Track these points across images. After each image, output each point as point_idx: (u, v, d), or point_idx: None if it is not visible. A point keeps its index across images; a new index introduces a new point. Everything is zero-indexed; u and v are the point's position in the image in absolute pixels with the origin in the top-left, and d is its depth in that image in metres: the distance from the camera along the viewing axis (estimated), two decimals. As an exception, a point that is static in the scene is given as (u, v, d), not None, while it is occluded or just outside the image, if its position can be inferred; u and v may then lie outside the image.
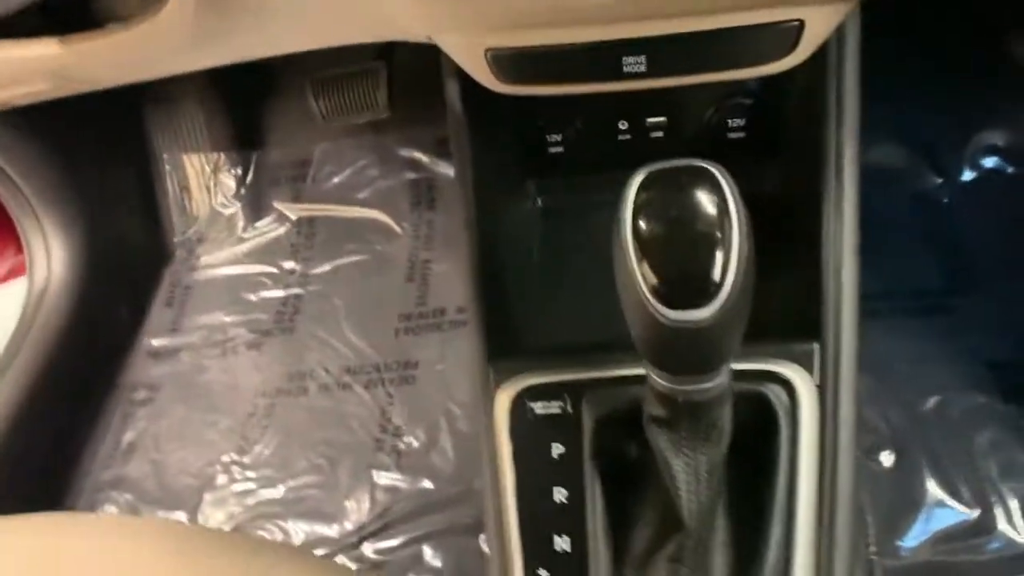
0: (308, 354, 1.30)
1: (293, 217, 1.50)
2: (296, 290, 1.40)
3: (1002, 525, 0.90)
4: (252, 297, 1.41)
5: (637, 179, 0.41)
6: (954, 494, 0.94)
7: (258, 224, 1.50)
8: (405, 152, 1.48)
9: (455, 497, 1.06)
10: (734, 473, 0.52)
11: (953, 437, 0.98)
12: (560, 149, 0.74)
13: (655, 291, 0.39)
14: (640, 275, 0.40)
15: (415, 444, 1.13)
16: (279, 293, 1.40)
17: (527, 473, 0.56)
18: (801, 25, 0.51)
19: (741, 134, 0.70)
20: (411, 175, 1.46)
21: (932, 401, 1.01)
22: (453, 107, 0.69)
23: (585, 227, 0.78)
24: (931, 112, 1.24)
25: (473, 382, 0.60)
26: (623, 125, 0.71)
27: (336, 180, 1.50)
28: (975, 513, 0.92)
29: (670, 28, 0.51)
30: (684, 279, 0.39)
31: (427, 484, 1.09)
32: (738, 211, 0.39)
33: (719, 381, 0.44)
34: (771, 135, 0.69)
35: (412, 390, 1.20)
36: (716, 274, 0.38)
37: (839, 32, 0.57)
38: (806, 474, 0.51)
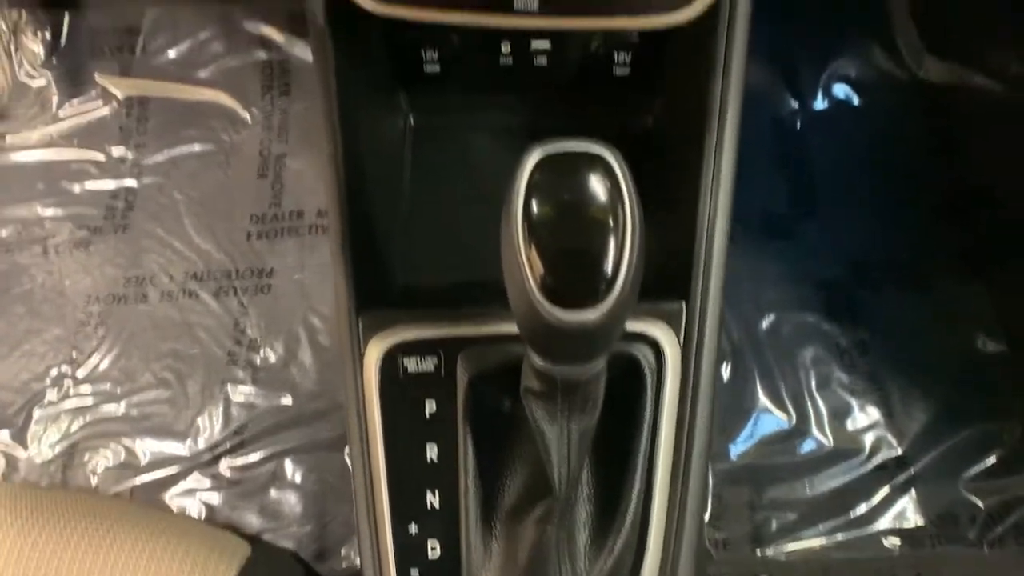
0: (146, 256, 1.18)
1: (120, 95, 1.30)
2: (129, 181, 1.25)
3: (814, 430, 1.03)
4: (75, 188, 1.24)
5: (530, 162, 0.38)
6: (778, 403, 1.05)
7: (76, 100, 1.29)
8: (253, 27, 1.31)
9: (316, 412, 1.04)
10: (600, 430, 0.54)
11: (782, 352, 1.09)
12: (436, 68, 0.68)
13: (543, 285, 0.37)
14: (528, 265, 0.38)
15: (272, 358, 1.08)
16: (108, 184, 1.24)
17: (398, 430, 0.55)
18: None
19: (626, 70, 0.67)
20: (261, 55, 1.31)
21: (768, 318, 1.11)
22: (314, 20, 0.60)
23: (462, 151, 0.73)
24: (792, 37, 1.27)
25: (338, 333, 0.57)
26: (506, 48, 0.66)
27: (171, 54, 1.31)
28: (793, 420, 1.04)
29: None
30: (574, 276, 0.38)
31: (286, 400, 1.06)
32: (632, 206, 0.38)
33: (600, 362, 0.44)
34: (655, 77, 0.67)
35: (267, 300, 1.13)
36: (608, 270, 0.37)
37: None
38: (667, 430, 0.54)
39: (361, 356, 0.56)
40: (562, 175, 0.38)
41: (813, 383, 1.06)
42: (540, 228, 0.37)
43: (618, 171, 0.38)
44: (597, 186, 0.37)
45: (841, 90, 1.31)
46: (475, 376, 0.54)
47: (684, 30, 0.56)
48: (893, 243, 1.20)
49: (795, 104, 1.29)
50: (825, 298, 1.13)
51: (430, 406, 0.54)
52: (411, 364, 0.55)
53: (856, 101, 1.32)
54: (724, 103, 0.58)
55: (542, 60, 0.67)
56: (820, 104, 1.31)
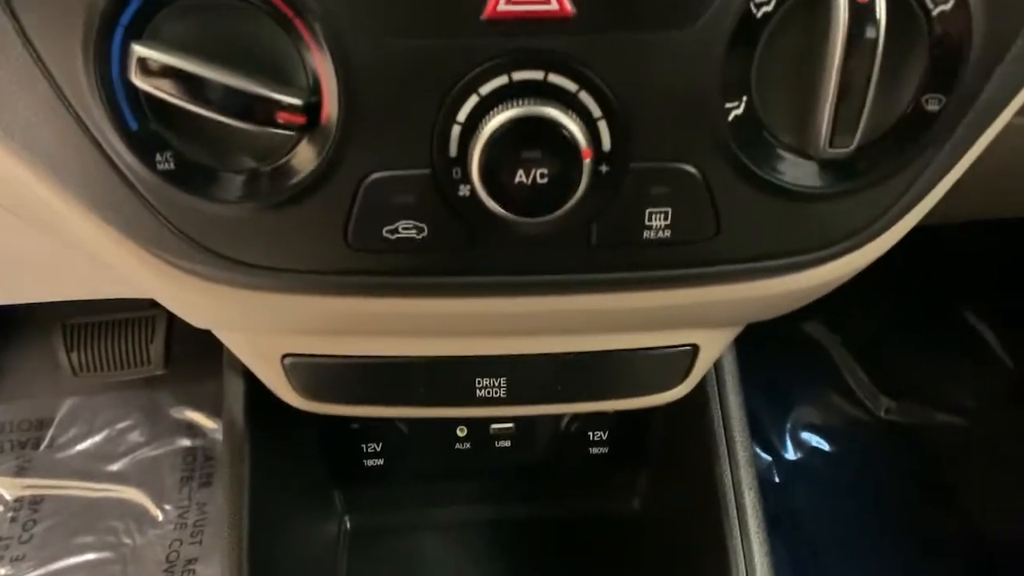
0: None
1: (9, 497, 1.12)
2: (-13, 611, 1.00)
3: None
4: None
5: None
6: None
7: (-48, 509, 1.10)
8: (180, 413, 1.21)
9: None
10: None
11: None
12: (379, 462, 0.57)
13: None
14: None
15: None
16: (-40, 617, 0.99)
17: None
18: (695, 351, 0.40)
19: (603, 449, 0.57)
20: (184, 442, 1.18)
21: None
22: (231, 413, 0.50)
23: (410, 560, 0.58)
24: (753, 388, 1.24)
25: None
26: (462, 432, 0.56)
27: (82, 446, 1.18)
28: None
29: (543, 347, 0.39)
30: None
31: None
32: None
33: None
34: (640, 455, 0.57)
35: None
36: None
37: None
38: None
39: None
40: None
41: None
42: None
43: None
44: None
45: (810, 438, 1.26)
46: None
47: (672, 405, 0.48)
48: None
49: (768, 457, 1.22)
50: None
51: None
52: None
53: (827, 447, 1.26)
54: (737, 481, 0.47)
55: (505, 443, 0.57)
56: (792, 455, 1.25)
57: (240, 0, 0.30)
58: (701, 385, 0.49)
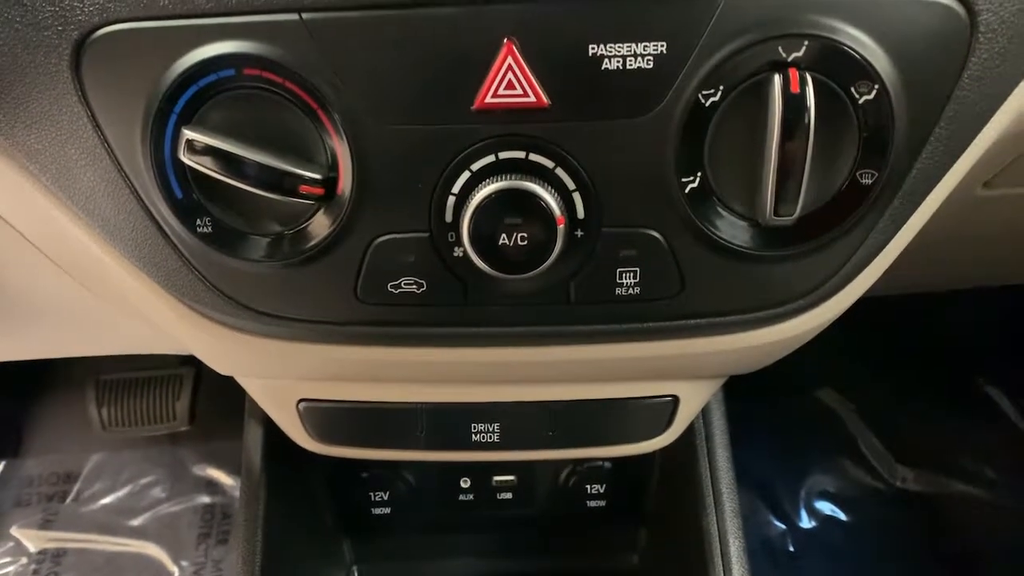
0: None
1: (33, 549, 1.15)
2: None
3: None
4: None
5: None
6: None
7: (-21, 559, 1.13)
8: (202, 470, 1.24)
9: None
10: None
11: None
12: (386, 510, 0.60)
13: None
14: None
15: None
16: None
17: None
18: (675, 401, 0.44)
19: (601, 502, 0.59)
20: (204, 499, 1.21)
21: None
22: (250, 458, 0.53)
23: None
24: (763, 456, 1.25)
25: None
26: (465, 483, 0.59)
27: (106, 501, 1.21)
28: None
29: (534, 395, 0.42)
30: None
31: None
32: None
33: None
34: (636, 508, 0.59)
35: None
36: None
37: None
38: None
39: None
40: None
41: None
42: None
43: None
44: None
45: (825, 507, 1.24)
46: None
47: (663, 458, 0.50)
48: None
49: (781, 526, 1.20)
50: None
51: None
52: None
53: (843, 516, 1.24)
54: (723, 531, 0.49)
55: (506, 495, 0.60)
56: (807, 523, 1.23)
57: (272, 93, 0.36)
58: (691, 439, 0.52)
